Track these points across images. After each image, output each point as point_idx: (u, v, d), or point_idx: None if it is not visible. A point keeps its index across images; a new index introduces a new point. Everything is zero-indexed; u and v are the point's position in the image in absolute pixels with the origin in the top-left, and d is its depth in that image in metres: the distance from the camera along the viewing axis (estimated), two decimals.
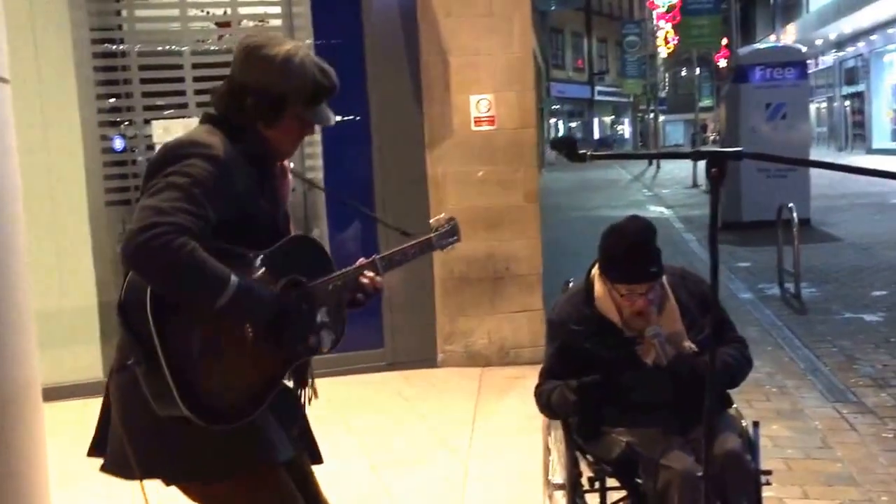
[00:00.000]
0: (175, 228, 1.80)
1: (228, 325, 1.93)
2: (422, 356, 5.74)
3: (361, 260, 2.20)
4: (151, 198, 1.85)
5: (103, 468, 2.09)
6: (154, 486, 2.06)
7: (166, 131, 5.17)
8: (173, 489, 2.07)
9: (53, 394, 4.78)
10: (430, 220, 2.45)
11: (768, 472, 2.70)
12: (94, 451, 2.12)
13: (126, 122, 5.60)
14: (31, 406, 2.89)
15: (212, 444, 1.94)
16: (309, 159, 5.55)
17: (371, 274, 2.18)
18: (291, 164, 2.27)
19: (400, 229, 2.49)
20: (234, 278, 1.87)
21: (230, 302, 1.86)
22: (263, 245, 2.04)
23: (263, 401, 2.00)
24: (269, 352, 1.99)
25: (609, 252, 2.75)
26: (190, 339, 1.88)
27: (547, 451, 3.22)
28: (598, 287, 2.80)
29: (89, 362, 5.39)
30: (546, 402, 2.83)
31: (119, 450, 2.02)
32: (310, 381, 2.21)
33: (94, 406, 5.60)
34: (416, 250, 2.35)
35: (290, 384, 2.20)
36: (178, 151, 1.96)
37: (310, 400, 2.22)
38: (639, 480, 2.69)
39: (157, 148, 5.52)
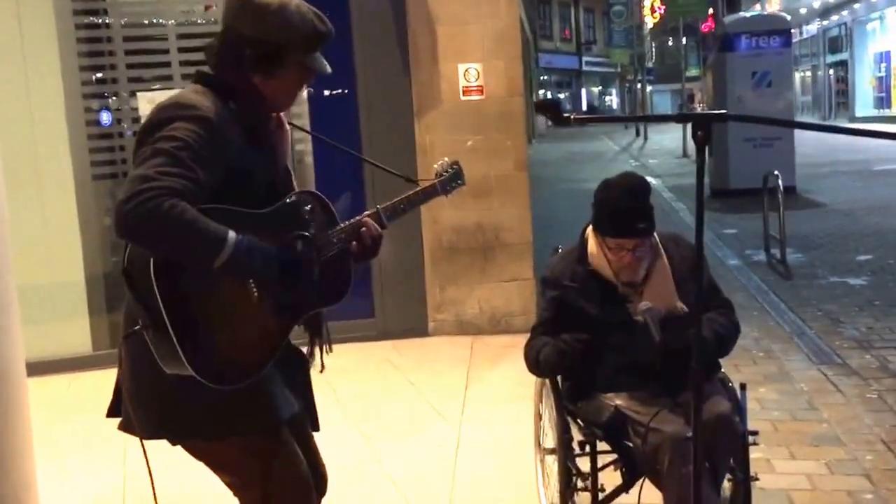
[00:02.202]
0: (164, 192, 1.77)
1: (234, 284, 1.93)
2: (412, 325, 5.76)
3: (365, 212, 2.18)
4: (139, 167, 1.83)
5: (120, 426, 2.12)
6: (158, 454, 2.08)
7: (152, 104, 5.13)
8: (177, 452, 2.09)
9: (41, 368, 4.79)
10: (434, 165, 2.41)
11: (755, 433, 2.73)
12: (112, 412, 2.15)
13: (111, 96, 5.55)
14: (15, 380, 2.89)
15: (217, 404, 1.96)
16: (297, 131, 5.51)
17: (372, 223, 2.16)
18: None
19: (404, 176, 2.46)
20: (231, 235, 1.85)
21: (230, 260, 1.84)
22: (265, 203, 2.03)
23: (270, 359, 2.01)
24: (275, 309, 1.99)
25: (601, 205, 2.76)
26: (195, 300, 1.89)
27: (538, 416, 3.25)
28: (592, 244, 2.82)
29: (77, 337, 5.40)
30: (535, 358, 2.84)
31: (129, 410, 2.05)
32: (325, 332, 2.22)
33: (81, 380, 5.64)
34: (421, 197, 2.33)
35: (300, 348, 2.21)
36: (163, 115, 1.93)
37: (326, 351, 2.23)
38: (629, 444, 2.70)
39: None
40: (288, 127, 2.24)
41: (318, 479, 2.25)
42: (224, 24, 2.08)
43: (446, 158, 2.44)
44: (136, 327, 1.91)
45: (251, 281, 1.95)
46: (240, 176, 1.98)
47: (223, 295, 1.92)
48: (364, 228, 2.14)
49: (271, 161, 2.13)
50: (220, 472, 2.14)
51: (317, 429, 2.32)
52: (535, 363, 2.87)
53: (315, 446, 2.32)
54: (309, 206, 2.11)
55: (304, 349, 2.26)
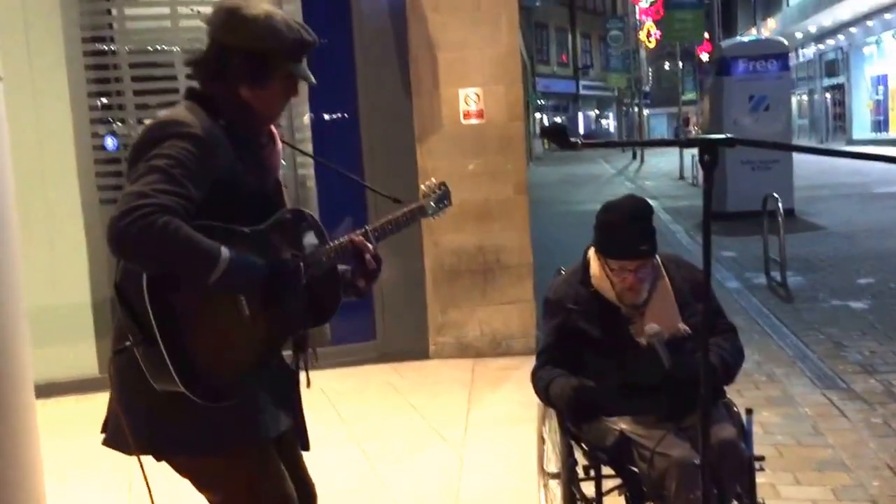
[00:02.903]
0: (157, 209, 1.79)
1: (226, 301, 1.93)
2: (414, 348, 5.76)
3: (353, 232, 2.19)
4: (133, 184, 1.85)
5: (104, 442, 2.11)
6: (154, 473, 2.09)
7: None
8: (169, 470, 2.09)
9: (48, 390, 4.79)
10: (422, 186, 2.41)
11: (761, 458, 2.72)
12: (105, 429, 2.14)
13: (118, 122, 5.60)
14: (24, 402, 2.90)
15: (203, 420, 1.96)
16: (299, 155, 5.55)
17: (362, 241, 2.16)
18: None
19: (391, 196, 2.45)
20: (225, 252, 1.86)
21: (224, 277, 1.85)
22: (255, 218, 2.03)
23: (260, 376, 2.01)
24: (266, 327, 2.00)
25: (603, 227, 2.78)
26: (186, 316, 1.89)
27: (541, 440, 3.23)
28: (594, 265, 2.83)
29: (83, 359, 5.40)
30: (544, 389, 2.84)
31: (117, 425, 2.04)
32: (310, 348, 2.21)
33: (88, 402, 5.62)
34: (408, 217, 2.33)
35: (289, 360, 2.21)
36: (156, 134, 1.95)
37: (306, 368, 2.21)
38: (634, 468, 2.69)
39: None
40: (280, 143, 2.25)
41: (306, 498, 2.24)
42: (210, 37, 2.09)
43: (433, 179, 2.45)
44: (127, 343, 1.91)
45: (242, 298, 1.95)
46: (230, 190, 1.99)
47: (214, 311, 1.93)
48: (356, 247, 2.15)
49: (263, 175, 2.14)
50: (205, 490, 2.13)
51: (307, 448, 2.31)
52: (546, 397, 2.85)
53: (304, 465, 2.30)
54: (298, 225, 2.12)
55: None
